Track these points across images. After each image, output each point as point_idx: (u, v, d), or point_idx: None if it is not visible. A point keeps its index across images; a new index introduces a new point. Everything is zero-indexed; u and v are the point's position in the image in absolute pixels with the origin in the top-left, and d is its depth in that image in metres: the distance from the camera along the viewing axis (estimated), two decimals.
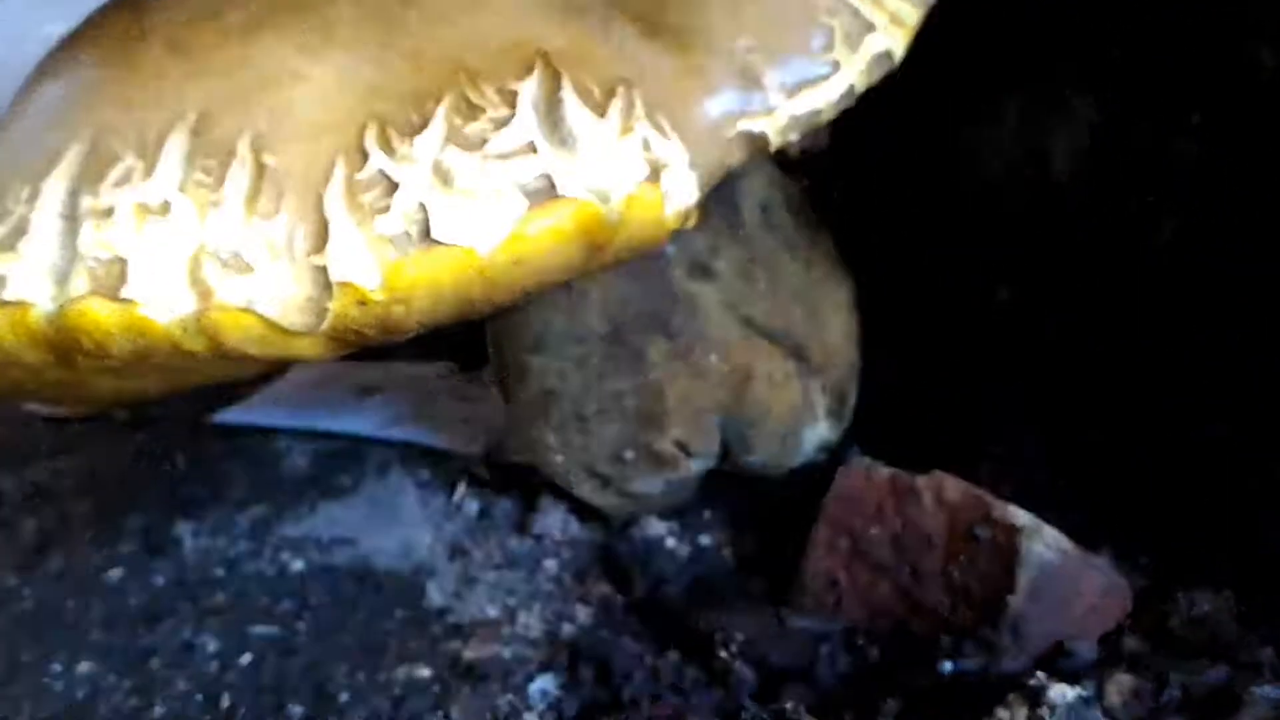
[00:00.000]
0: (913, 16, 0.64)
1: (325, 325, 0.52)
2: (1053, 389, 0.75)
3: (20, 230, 0.54)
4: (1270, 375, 0.63)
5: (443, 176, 0.52)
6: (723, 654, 0.66)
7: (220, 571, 0.78)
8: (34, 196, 0.54)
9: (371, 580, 0.76)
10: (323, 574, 0.77)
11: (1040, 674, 0.56)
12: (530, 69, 0.55)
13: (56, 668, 0.70)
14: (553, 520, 0.80)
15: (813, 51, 0.62)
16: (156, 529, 0.82)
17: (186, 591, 0.76)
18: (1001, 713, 0.54)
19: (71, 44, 0.64)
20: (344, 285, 0.51)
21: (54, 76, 0.62)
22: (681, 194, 0.57)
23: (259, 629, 0.72)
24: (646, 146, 0.55)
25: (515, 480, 0.86)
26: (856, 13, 0.62)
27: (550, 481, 0.82)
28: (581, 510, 0.81)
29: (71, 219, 0.54)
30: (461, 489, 0.84)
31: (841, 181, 0.85)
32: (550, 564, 0.77)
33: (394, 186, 0.52)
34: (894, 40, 0.63)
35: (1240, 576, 0.65)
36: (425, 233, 0.51)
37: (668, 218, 0.56)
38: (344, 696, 0.66)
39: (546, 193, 0.52)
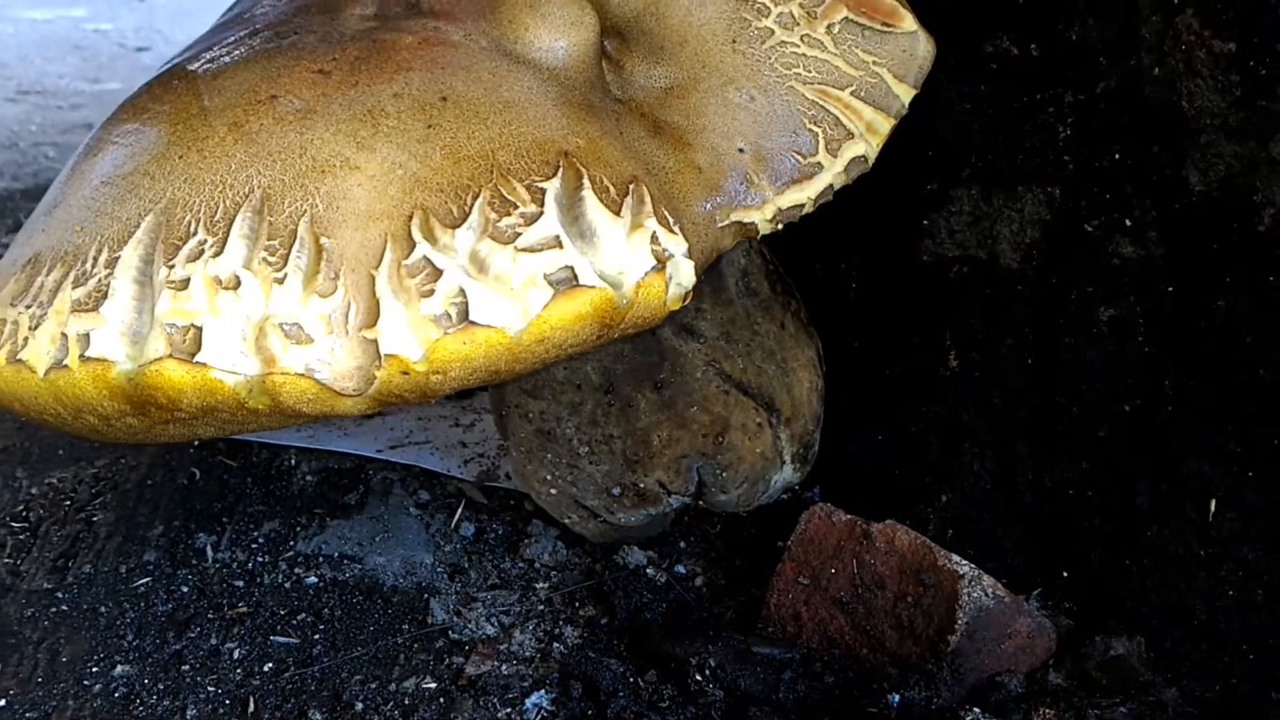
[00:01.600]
0: (885, 125, 0.72)
1: (372, 390, 0.60)
2: (995, 448, 0.84)
3: (102, 294, 0.61)
4: (1186, 451, 0.73)
5: (479, 265, 0.60)
6: (697, 677, 0.74)
7: (240, 583, 0.85)
8: (113, 263, 0.62)
9: (379, 596, 0.84)
10: (335, 588, 0.84)
11: (975, 709, 0.65)
12: (555, 168, 0.64)
13: (94, 669, 0.78)
14: (542, 546, 0.89)
15: (799, 154, 0.70)
16: (178, 540, 0.90)
17: (211, 601, 0.83)
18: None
19: (133, 115, 0.71)
20: (391, 357, 0.59)
21: (120, 145, 0.69)
22: (682, 279, 0.65)
23: (279, 638, 0.80)
24: (654, 240, 0.63)
25: (506, 505, 0.94)
26: (838, 121, 0.71)
27: (540, 508, 0.91)
28: (568, 536, 0.90)
29: (147, 285, 0.61)
30: (459, 513, 0.92)
31: (815, 255, 0.93)
32: (541, 586, 0.85)
33: (438, 273, 0.60)
34: (869, 146, 0.72)
35: (1150, 625, 0.74)
36: (464, 314, 0.59)
37: (670, 300, 0.65)
38: (359, 705, 0.74)
39: (569, 282, 0.61)
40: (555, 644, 0.79)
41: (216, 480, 0.97)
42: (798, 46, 0.71)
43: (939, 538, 0.81)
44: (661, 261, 0.64)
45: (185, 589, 0.85)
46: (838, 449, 0.92)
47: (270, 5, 0.81)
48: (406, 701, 0.74)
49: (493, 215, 0.61)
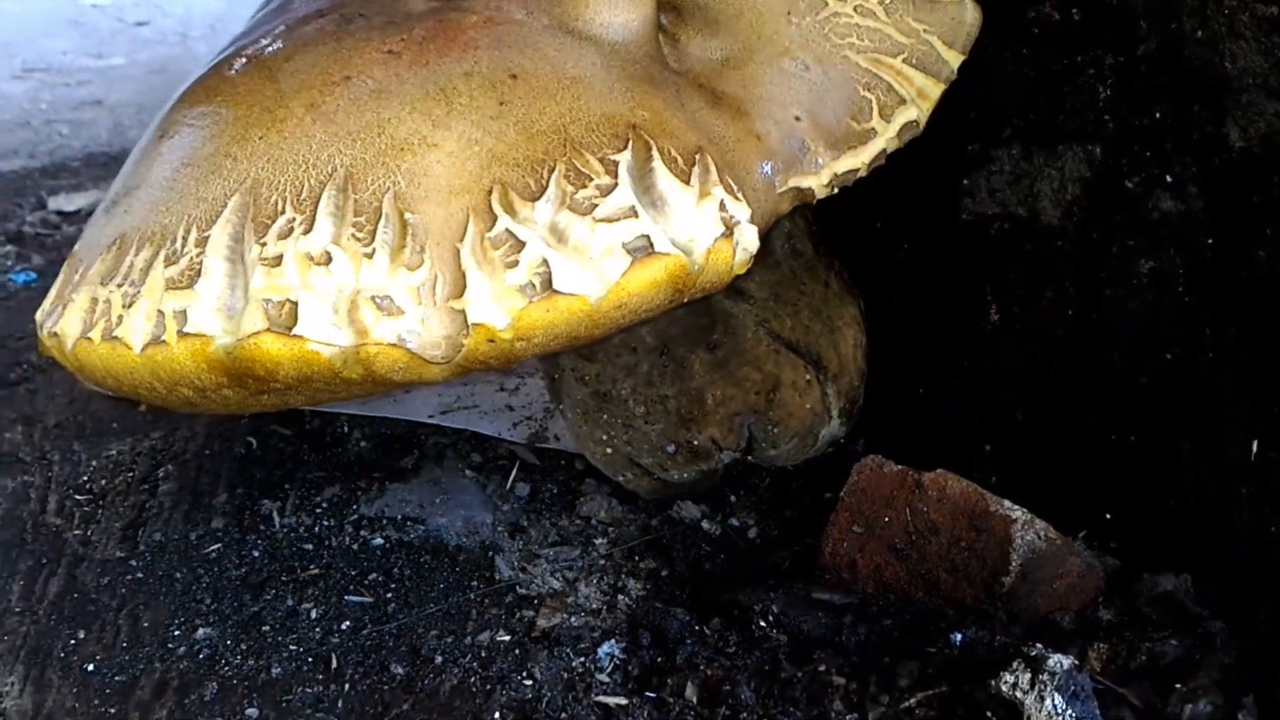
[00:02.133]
0: (935, 91, 0.75)
1: (459, 358, 0.63)
2: (1037, 399, 0.87)
3: (195, 272, 0.64)
4: (1226, 395, 0.76)
5: (558, 236, 0.63)
6: (761, 623, 0.78)
7: (309, 546, 0.88)
8: (203, 242, 0.64)
9: (445, 555, 0.87)
10: (401, 549, 0.87)
11: (1039, 645, 0.68)
12: (625, 140, 0.66)
13: (176, 632, 0.81)
14: (597, 503, 0.92)
15: (854, 121, 0.73)
16: (244, 507, 0.92)
17: (282, 564, 0.86)
18: (1008, 677, 0.67)
19: (206, 98, 0.73)
20: (478, 326, 0.62)
21: (196, 127, 0.71)
22: (747, 244, 0.68)
23: (353, 598, 0.83)
24: (722, 207, 0.66)
25: (558, 465, 0.97)
26: (890, 88, 0.73)
27: (592, 467, 0.94)
28: (621, 494, 0.93)
29: (239, 263, 0.64)
30: (514, 474, 0.95)
31: (855, 216, 0.95)
32: (600, 542, 0.88)
33: (520, 244, 0.62)
34: (920, 111, 0.74)
35: (1196, 561, 0.77)
36: (548, 284, 0.62)
37: (736, 265, 0.67)
38: (438, 658, 0.77)
39: (645, 250, 0.63)
40: (620, 596, 0.82)
41: (273, 449, 1.00)
42: (851, 16, 0.73)
43: (983, 486, 0.84)
44: (729, 228, 0.66)
45: (256, 554, 0.88)
46: (880, 404, 0.95)
47: None
48: (483, 654, 0.77)
49: (569, 188, 0.64)
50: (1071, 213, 0.84)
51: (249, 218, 0.64)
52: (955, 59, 0.75)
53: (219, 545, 0.89)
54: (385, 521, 0.91)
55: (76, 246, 0.73)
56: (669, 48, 0.75)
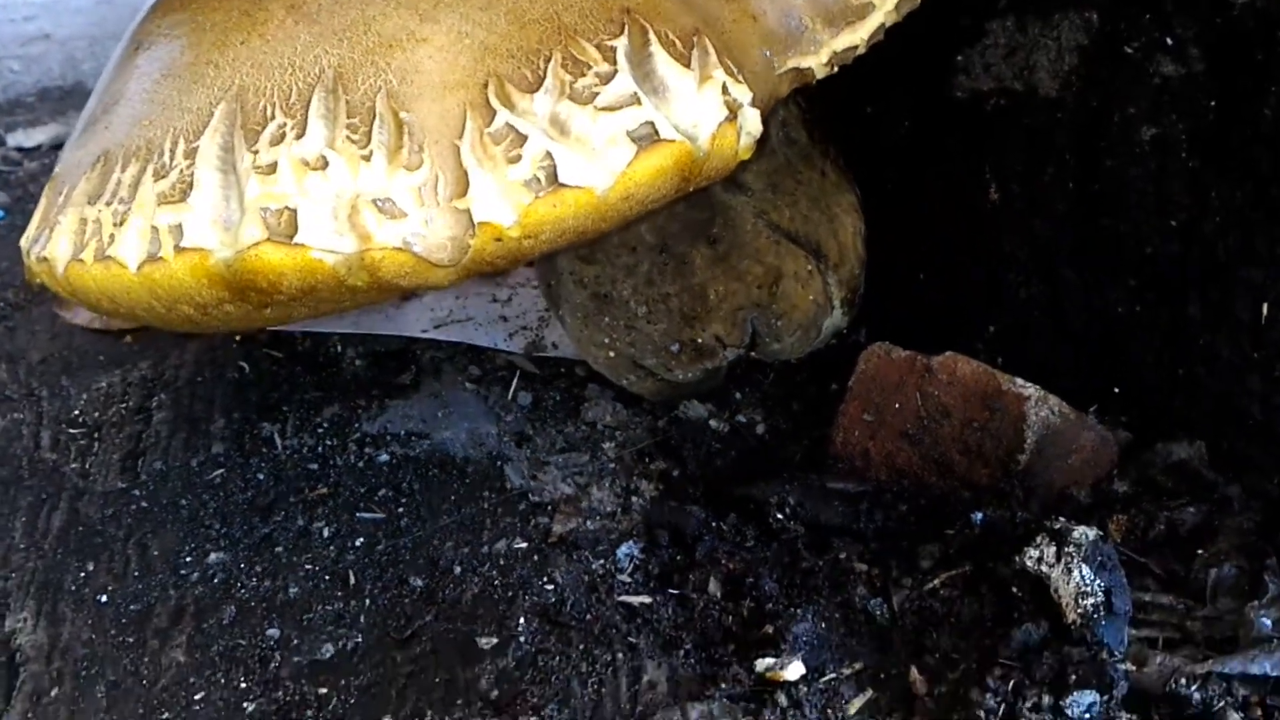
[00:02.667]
0: None
1: (466, 259, 0.61)
2: (1041, 275, 0.86)
3: (186, 184, 0.61)
4: (1234, 259, 0.75)
5: (560, 127, 0.61)
6: (778, 515, 0.77)
7: (314, 466, 0.87)
8: (192, 154, 0.62)
9: (454, 467, 0.86)
10: (408, 464, 0.86)
11: (1062, 518, 0.68)
12: (620, 25, 0.64)
13: (188, 559, 0.80)
14: (602, 408, 0.91)
15: None
16: (243, 431, 0.91)
17: (289, 485, 0.85)
18: (1032, 552, 0.67)
19: (179, 6, 0.70)
20: (484, 225, 0.60)
21: (173, 37, 0.69)
22: (751, 128, 0.66)
23: (364, 515, 0.82)
24: (724, 90, 0.64)
25: (558, 373, 0.96)
26: None
27: (593, 372, 0.93)
28: (625, 397, 0.92)
29: (231, 173, 0.61)
30: (514, 384, 0.94)
31: (847, 99, 0.93)
32: (608, 446, 0.87)
33: (522, 138, 0.60)
34: None
35: (1208, 429, 0.77)
36: (553, 177, 0.60)
37: (741, 150, 0.66)
38: (456, 569, 0.76)
39: (650, 138, 0.61)
40: (633, 498, 0.82)
41: (266, 372, 0.98)
42: None
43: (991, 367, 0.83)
44: (733, 111, 0.64)
45: (261, 476, 0.86)
46: (881, 291, 0.94)
47: None
48: (502, 562, 0.77)
49: (567, 77, 0.62)
50: (1070, 83, 0.82)
51: (238, 125, 0.62)
52: None
53: (222, 470, 0.87)
54: (389, 438, 0.89)
55: (56, 169, 0.71)
56: None
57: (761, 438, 0.88)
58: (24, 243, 0.71)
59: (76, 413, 0.97)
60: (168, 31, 0.69)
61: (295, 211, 0.59)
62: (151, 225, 0.61)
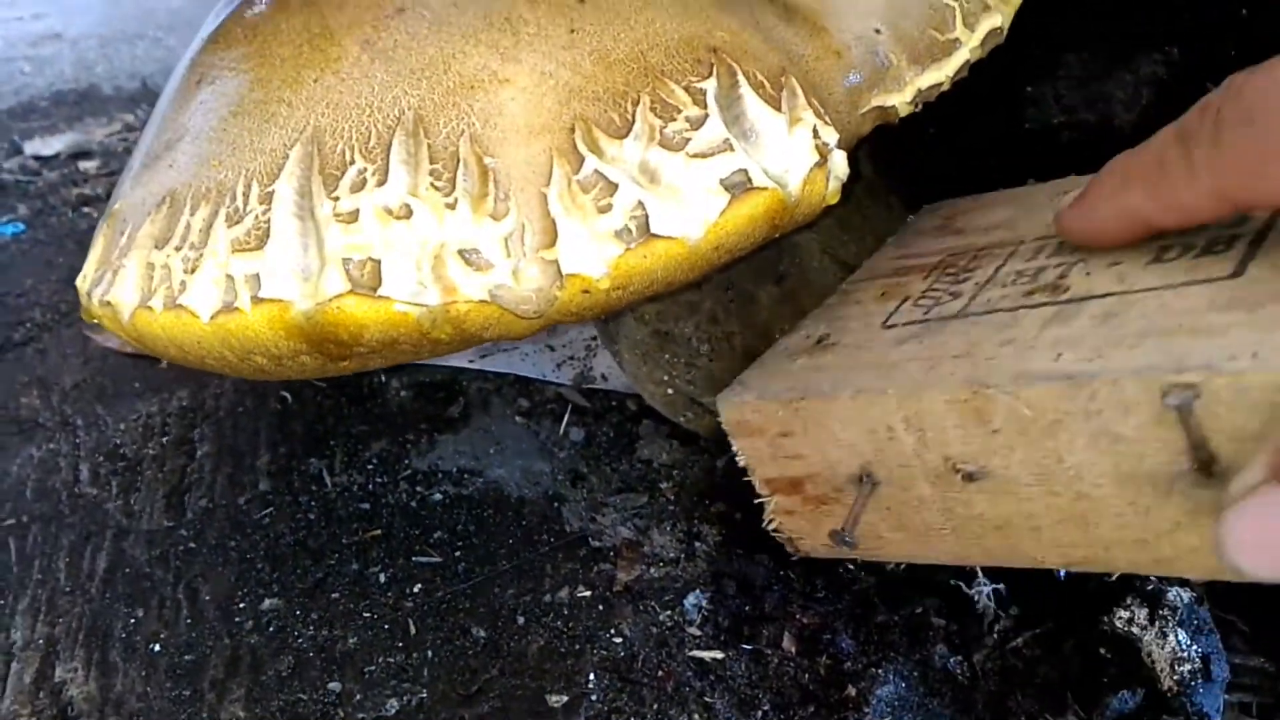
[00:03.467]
0: None
1: (552, 310, 0.59)
2: None
3: (263, 231, 0.59)
4: None
5: (650, 175, 0.59)
6: (849, 565, 0.75)
7: (366, 505, 0.84)
8: (268, 198, 0.60)
9: (509, 508, 0.83)
10: (462, 504, 0.84)
11: (1154, 578, 0.66)
12: (708, 66, 0.62)
13: (241, 605, 0.77)
14: (657, 445, 0.88)
15: (936, 31, 0.68)
16: (290, 467, 0.88)
17: (340, 526, 0.83)
18: (1122, 613, 0.65)
19: (246, 38, 0.68)
20: (573, 277, 0.58)
21: (240, 71, 0.66)
22: (839, 171, 0.64)
23: (420, 559, 0.79)
24: (815, 134, 0.62)
25: (609, 406, 0.94)
26: None
27: (645, 406, 0.90)
28: (679, 434, 0.89)
29: (309, 219, 0.59)
30: (566, 418, 0.91)
31: (914, 128, 0.91)
32: (665, 486, 0.85)
33: (613, 187, 0.58)
34: (1004, 16, 0.70)
35: None
36: (645, 228, 0.58)
37: (830, 194, 0.64)
38: (520, 619, 0.74)
39: (743, 186, 0.59)
40: (696, 543, 0.80)
41: (310, 403, 0.96)
42: None
43: None
44: (823, 155, 0.62)
45: (311, 516, 0.84)
46: None
47: None
48: (565, 611, 0.75)
49: (657, 121, 0.60)
50: (1147, 116, 0.80)
51: (315, 169, 0.60)
52: None
53: (270, 509, 0.85)
54: (441, 475, 0.87)
55: (114, 205, 0.68)
56: None
57: None
58: (82, 283, 0.68)
59: (116, 444, 0.94)
60: (233, 65, 0.66)
61: (379, 263, 0.57)
62: (226, 274, 0.59)
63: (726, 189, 0.59)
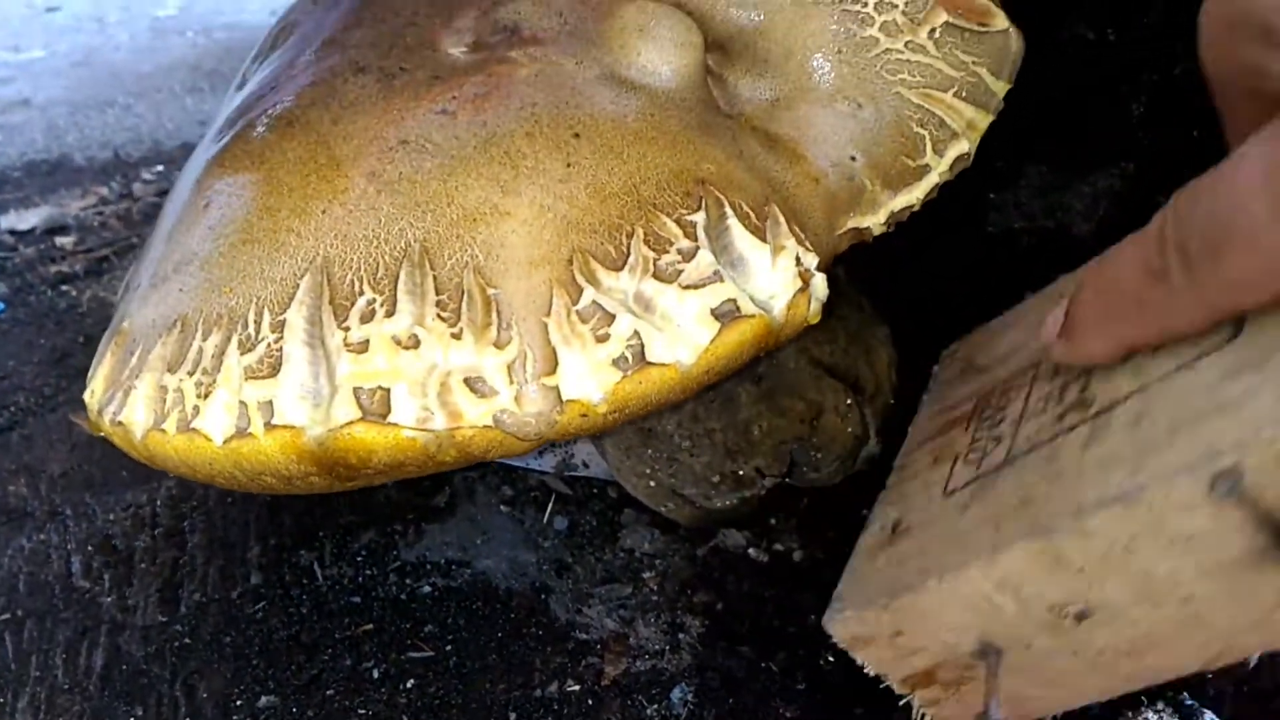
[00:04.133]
0: (984, 122, 0.75)
1: (551, 432, 0.62)
2: None
3: (275, 359, 0.62)
4: None
5: (645, 305, 0.62)
6: (829, 657, 0.78)
7: (357, 599, 0.87)
8: (279, 326, 0.63)
9: (497, 600, 0.86)
10: (451, 596, 0.87)
11: (1184, 692, 0.69)
12: (697, 199, 0.65)
13: (238, 702, 0.79)
14: (640, 535, 0.92)
15: (908, 157, 0.73)
16: (280, 560, 0.91)
17: (333, 621, 0.85)
18: (1150, 715, 0.68)
19: (251, 164, 0.71)
20: (572, 402, 0.61)
21: (246, 197, 0.69)
22: (820, 294, 0.68)
23: (413, 654, 0.82)
24: (797, 261, 0.66)
25: (591, 494, 0.97)
26: (942, 122, 0.73)
27: (627, 495, 0.94)
28: (661, 522, 0.93)
29: (319, 348, 0.62)
30: (549, 507, 0.95)
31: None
32: (648, 576, 0.88)
33: (610, 318, 0.61)
34: (970, 143, 0.75)
35: None
36: (640, 356, 0.61)
37: (811, 315, 0.67)
38: (512, 715, 0.77)
39: (732, 314, 0.63)
40: (680, 634, 0.83)
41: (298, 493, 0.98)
42: (902, 53, 0.73)
43: None
44: (805, 280, 0.66)
45: (304, 610, 0.86)
46: (906, 409, 0.96)
47: (337, 29, 0.80)
48: (556, 706, 0.77)
49: (651, 254, 0.63)
50: (1104, 226, 0.85)
51: (325, 300, 0.63)
52: (1002, 88, 0.75)
53: (264, 603, 0.87)
54: (429, 567, 0.90)
55: (123, 323, 0.71)
56: (717, 89, 0.74)
57: (799, 566, 0.89)
58: (90, 399, 0.70)
59: (107, 535, 0.96)
60: (240, 191, 0.69)
61: (389, 391, 0.60)
62: (239, 400, 0.62)
63: (717, 318, 0.62)
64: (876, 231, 0.73)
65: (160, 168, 1.86)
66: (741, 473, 0.87)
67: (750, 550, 0.90)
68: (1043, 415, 0.63)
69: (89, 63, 2.61)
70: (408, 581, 0.88)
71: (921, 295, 0.95)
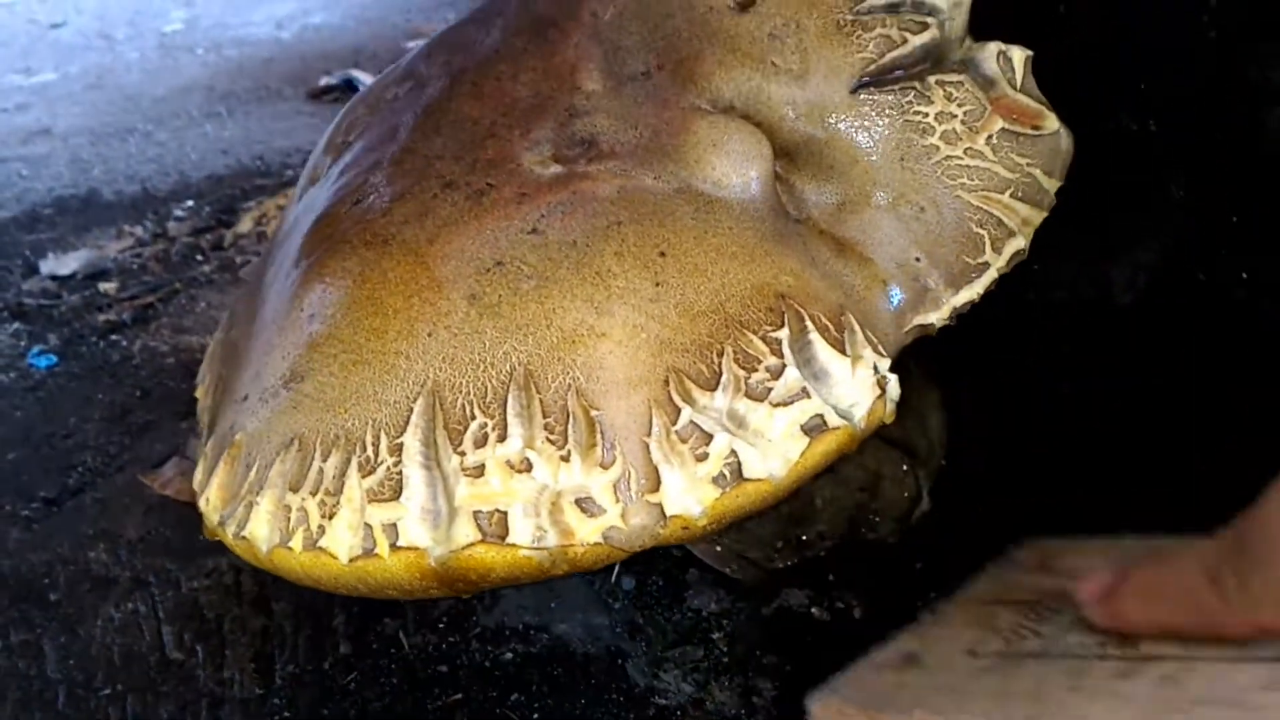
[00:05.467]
0: (1038, 218, 0.79)
1: (654, 543, 0.66)
2: (1124, 453, 0.93)
3: (395, 483, 0.66)
4: None
5: (738, 422, 0.67)
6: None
7: (444, 668, 0.92)
8: (397, 450, 0.67)
9: (576, 666, 0.91)
10: (533, 663, 0.91)
11: None
12: (780, 315, 0.70)
13: None
14: (706, 595, 0.97)
15: (968, 257, 0.77)
16: (366, 628, 0.95)
17: (423, 690, 0.90)
18: None
19: (352, 281, 0.75)
20: (675, 517, 0.65)
21: (347, 315, 0.73)
22: (894, 395, 0.72)
23: None
24: (875, 370, 0.70)
25: (654, 552, 1.01)
26: (1000, 222, 0.78)
27: (690, 553, 0.98)
28: (725, 582, 0.97)
29: (434, 470, 0.66)
30: (616, 568, 0.99)
31: None
32: (717, 637, 0.93)
33: (708, 437, 0.66)
34: (1025, 239, 0.79)
35: None
36: (737, 473, 0.66)
37: (886, 416, 0.72)
38: None
39: (820, 428, 0.67)
40: (754, 698, 0.88)
41: None
42: (961, 159, 0.77)
43: (1069, 537, 0.91)
44: (882, 387, 0.70)
45: (394, 680, 0.91)
46: (956, 470, 1.01)
47: (416, 139, 0.84)
48: None
49: (741, 373, 0.67)
50: (1144, 298, 0.89)
51: (439, 424, 0.67)
52: (1054, 186, 0.79)
53: (355, 674, 0.92)
54: (509, 632, 0.94)
55: (235, 435, 0.75)
56: (785, 194, 0.78)
57: (861, 624, 0.94)
58: (207, 507, 0.75)
59: (195, 603, 1.00)
60: (345, 311, 0.73)
61: (506, 513, 0.65)
62: (364, 522, 0.66)
63: (805, 432, 0.67)
64: (939, 325, 0.77)
65: (190, 203, 1.90)
66: (805, 538, 0.92)
67: (813, 610, 0.94)
68: (1089, 635, 0.67)
69: (102, 85, 2.64)
70: (489, 648, 0.93)
71: (965, 358, 0.99)
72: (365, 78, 2.40)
